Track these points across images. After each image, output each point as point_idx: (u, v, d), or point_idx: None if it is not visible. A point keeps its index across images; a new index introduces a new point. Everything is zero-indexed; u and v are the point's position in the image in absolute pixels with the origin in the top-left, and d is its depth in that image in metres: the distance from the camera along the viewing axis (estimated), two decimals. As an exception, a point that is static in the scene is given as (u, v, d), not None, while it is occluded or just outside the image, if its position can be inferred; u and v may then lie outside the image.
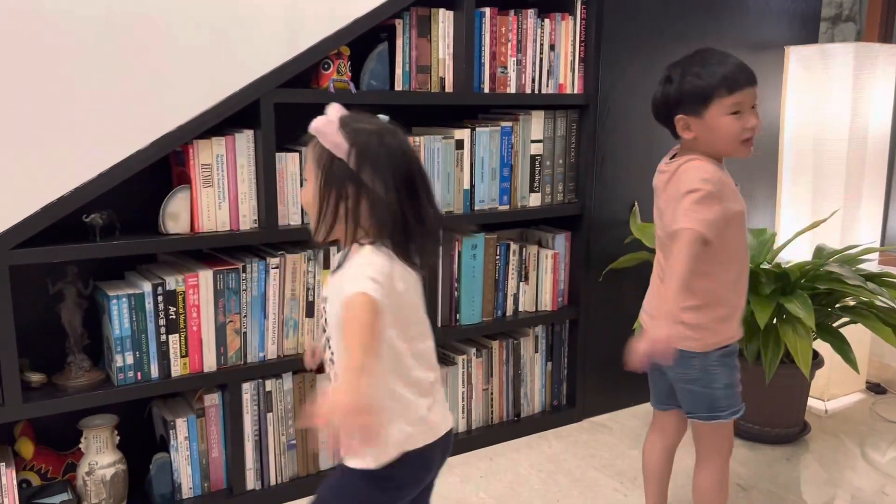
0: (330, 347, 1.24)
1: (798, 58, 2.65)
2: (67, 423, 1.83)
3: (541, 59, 2.27)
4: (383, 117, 1.25)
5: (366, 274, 1.12)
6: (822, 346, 2.32)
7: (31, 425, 1.84)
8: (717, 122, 1.48)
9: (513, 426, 2.41)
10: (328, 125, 1.18)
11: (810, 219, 2.52)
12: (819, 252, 2.40)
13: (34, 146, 1.66)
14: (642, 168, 2.33)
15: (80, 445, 1.80)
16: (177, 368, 1.85)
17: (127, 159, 1.70)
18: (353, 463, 1.23)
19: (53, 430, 1.88)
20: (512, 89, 2.23)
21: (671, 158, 1.59)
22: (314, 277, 2.00)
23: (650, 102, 1.58)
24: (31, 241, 1.63)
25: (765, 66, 2.68)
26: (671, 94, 1.52)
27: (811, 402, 2.55)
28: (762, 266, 2.28)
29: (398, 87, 2.06)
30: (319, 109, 2.07)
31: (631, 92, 2.39)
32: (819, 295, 2.22)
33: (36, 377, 1.75)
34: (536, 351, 2.44)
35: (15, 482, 1.71)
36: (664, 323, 1.37)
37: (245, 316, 1.92)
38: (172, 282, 1.81)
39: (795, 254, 2.47)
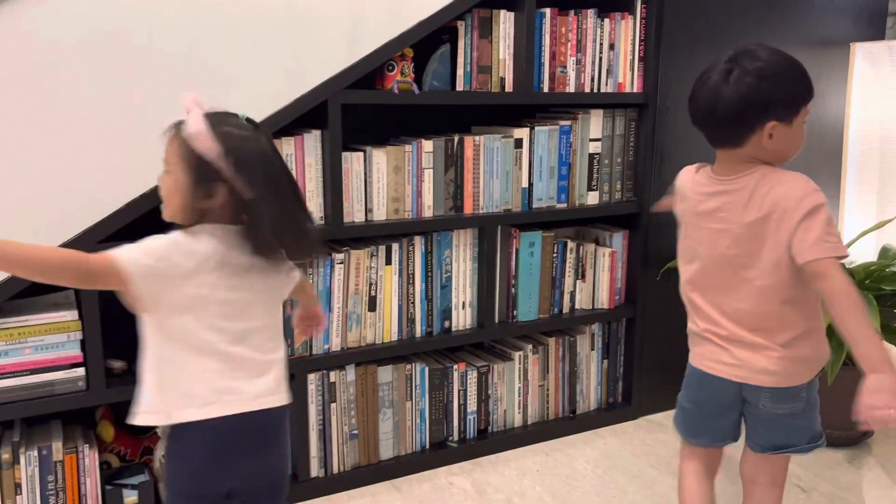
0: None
1: (864, 55, 2.60)
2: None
3: (600, 59, 2.29)
4: (242, 115, 1.28)
5: (144, 244, 1.19)
6: (887, 349, 2.28)
7: (110, 410, 1.95)
8: (800, 129, 1.39)
9: (568, 422, 2.43)
10: (200, 132, 1.20)
11: (875, 219, 2.47)
12: (885, 253, 2.35)
13: (119, 145, 1.75)
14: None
15: (157, 430, 1.90)
16: (246, 358, 1.92)
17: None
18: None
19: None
20: (571, 88, 2.25)
21: (723, 175, 1.42)
22: (377, 273, 2.06)
23: (721, 100, 1.37)
24: (115, 236, 1.73)
25: (829, 64, 2.64)
26: (769, 96, 1.34)
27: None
28: (825, 266, 2.25)
29: (459, 87, 2.10)
30: (383, 110, 2.15)
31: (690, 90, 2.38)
32: (884, 296, 2.19)
33: (118, 364, 1.85)
34: (593, 349, 2.46)
35: (97, 463, 1.81)
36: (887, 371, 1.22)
37: (311, 309, 1.99)
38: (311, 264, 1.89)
39: (860, 254, 2.43)
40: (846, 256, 1.30)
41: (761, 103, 1.34)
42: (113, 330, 1.81)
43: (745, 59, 1.36)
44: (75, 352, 1.74)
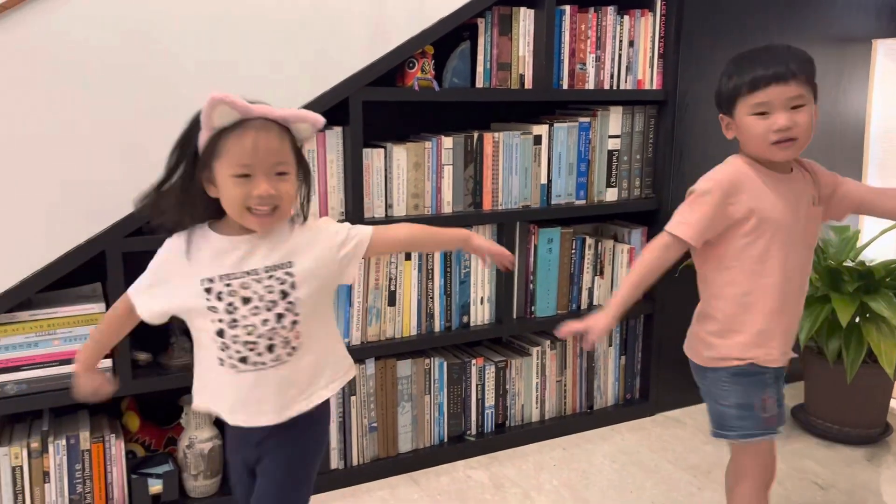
0: (293, 311, 1.25)
1: (886, 51, 2.58)
2: (168, 399, 1.96)
3: (620, 56, 2.29)
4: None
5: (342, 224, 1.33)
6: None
7: (135, 400, 1.99)
8: (742, 121, 1.43)
9: (586, 418, 2.44)
10: (300, 110, 1.24)
11: (896, 216, 2.46)
12: (905, 250, 2.34)
13: (148, 145, 1.78)
14: (720, 163, 2.32)
15: (181, 421, 1.93)
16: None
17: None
18: (334, 388, 1.35)
19: (155, 405, 2.02)
20: (590, 85, 2.26)
21: None
22: (397, 268, 2.08)
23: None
24: (140, 230, 1.77)
25: (851, 60, 2.63)
26: (716, 93, 1.50)
27: (894, 403, 2.50)
28: (845, 263, 2.24)
29: (479, 84, 2.12)
30: (403, 107, 2.17)
31: (710, 87, 2.33)
32: (905, 294, 2.18)
33: (143, 356, 1.89)
34: (610, 345, 2.47)
35: (123, 453, 1.85)
36: (603, 312, 1.43)
37: (331, 303, 2.02)
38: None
39: (880, 252, 2.42)
40: (673, 236, 1.43)
41: (715, 98, 1.50)
42: (139, 323, 1.85)
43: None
44: (102, 343, 1.77)
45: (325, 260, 1.28)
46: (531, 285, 2.28)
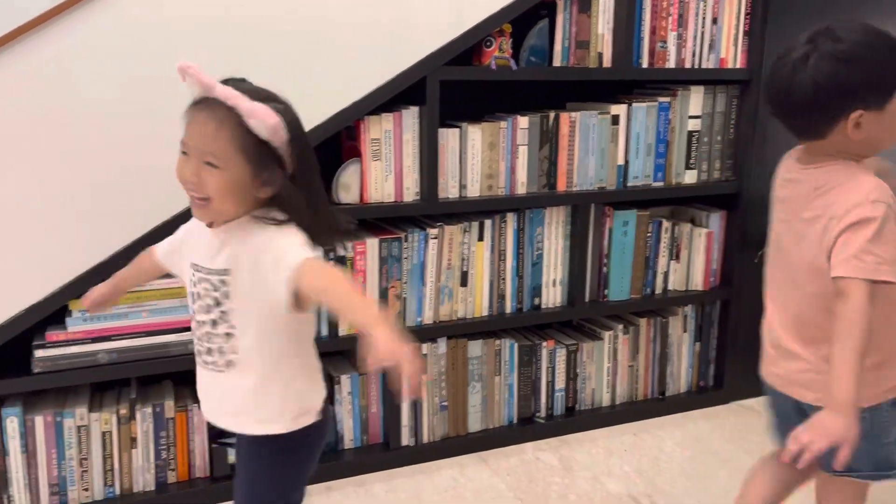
0: (227, 321, 1.17)
1: None
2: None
3: (702, 33, 2.22)
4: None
5: (300, 241, 1.12)
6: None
7: (216, 372, 2.05)
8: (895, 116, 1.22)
9: (657, 404, 2.41)
10: (255, 103, 1.08)
11: None
12: None
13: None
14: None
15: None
16: (343, 328, 1.99)
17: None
18: (269, 429, 1.22)
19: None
20: (671, 64, 2.20)
21: (802, 163, 1.32)
22: (469, 249, 2.08)
23: (796, 88, 1.22)
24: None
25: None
26: (852, 81, 1.18)
27: None
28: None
29: (556, 62, 2.09)
30: (478, 86, 2.15)
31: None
32: None
33: (224, 329, 1.94)
34: (685, 330, 2.42)
35: (205, 422, 1.92)
36: (843, 415, 1.13)
37: (405, 282, 2.03)
38: (342, 248, 1.95)
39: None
40: (884, 281, 1.15)
41: (841, 91, 1.19)
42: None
43: (824, 40, 1.20)
44: (187, 316, 1.83)
45: (265, 282, 1.11)
46: (605, 268, 2.25)
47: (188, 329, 1.82)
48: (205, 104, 1.10)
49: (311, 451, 1.30)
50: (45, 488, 1.80)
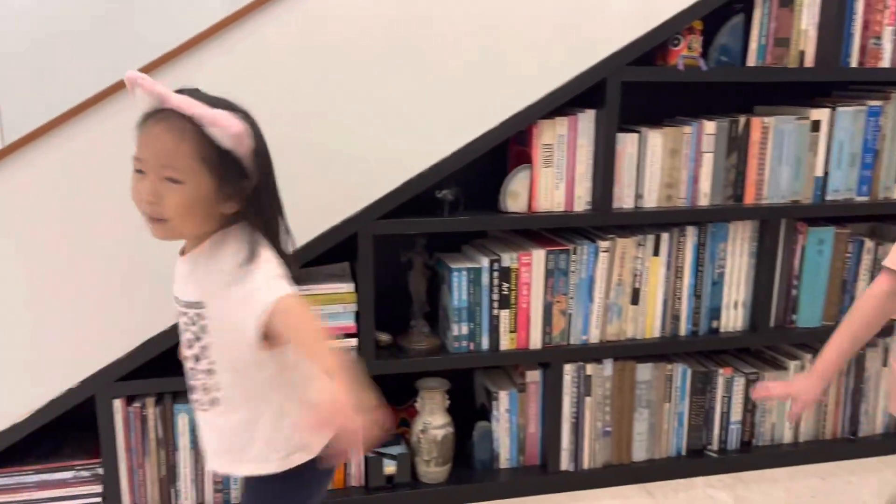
0: (207, 357, 1.10)
1: None
2: (402, 381, 1.97)
3: (925, 27, 1.93)
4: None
5: (274, 273, 1.04)
6: None
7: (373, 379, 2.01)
8: None
9: (848, 445, 2.14)
10: (217, 110, 1.01)
11: None
12: None
13: (402, 127, 1.75)
14: None
15: (416, 404, 1.93)
16: (504, 342, 1.89)
17: (477, 139, 1.76)
18: (260, 469, 1.14)
19: (389, 385, 2.03)
20: (885, 63, 1.93)
21: None
22: (643, 264, 1.92)
23: None
24: (391, 214, 1.76)
25: None
26: None
27: None
28: None
29: (750, 62, 1.88)
30: (664, 88, 1.98)
31: None
32: None
33: (384, 337, 1.90)
34: (884, 364, 2.13)
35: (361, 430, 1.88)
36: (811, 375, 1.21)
37: (571, 297, 1.91)
38: (507, 259, 1.85)
39: None
40: None
41: None
42: (380, 303, 1.86)
43: None
44: (350, 322, 1.81)
45: (234, 317, 1.04)
46: (794, 291, 2.01)
47: (351, 335, 1.81)
48: (160, 116, 1.03)
49: (312, 492, 1.21)
50: (210, 485, 1.82)
